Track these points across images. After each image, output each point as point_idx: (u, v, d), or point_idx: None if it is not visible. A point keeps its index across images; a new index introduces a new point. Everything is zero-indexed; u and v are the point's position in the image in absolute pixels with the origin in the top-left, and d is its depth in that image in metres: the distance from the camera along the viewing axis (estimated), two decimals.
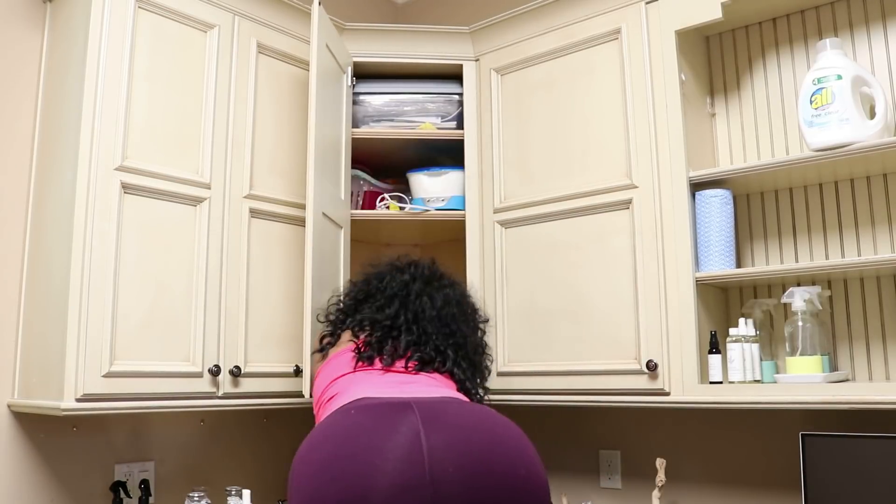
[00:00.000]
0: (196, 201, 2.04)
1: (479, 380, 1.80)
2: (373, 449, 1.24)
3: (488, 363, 1.91)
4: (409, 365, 1.66)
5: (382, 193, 2.56)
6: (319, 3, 2.11)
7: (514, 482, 1.27)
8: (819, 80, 1.85)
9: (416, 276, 1.86)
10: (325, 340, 1.87)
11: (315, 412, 1.72)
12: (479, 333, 1.90)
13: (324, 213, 2.10)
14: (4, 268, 2.00)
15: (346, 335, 1.83)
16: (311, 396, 1.88)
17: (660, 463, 2.11)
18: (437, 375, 1.66)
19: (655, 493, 2.11)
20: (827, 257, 2.05)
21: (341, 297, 1.95)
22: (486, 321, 1.95)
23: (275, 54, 2.28)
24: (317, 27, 2.09)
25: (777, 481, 2.10)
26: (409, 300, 1.80)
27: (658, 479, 2.11)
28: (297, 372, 2.19)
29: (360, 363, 1.67)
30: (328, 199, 2.14)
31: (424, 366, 1.66)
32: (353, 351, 1.72)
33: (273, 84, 2.26)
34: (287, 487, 1.40)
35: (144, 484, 2.08)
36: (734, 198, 2.11)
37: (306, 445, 1.34)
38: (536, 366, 2.21)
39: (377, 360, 1.68)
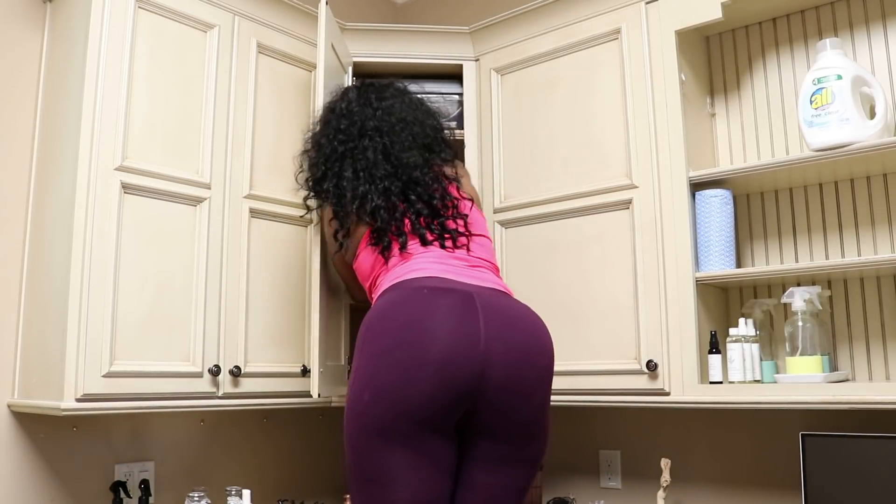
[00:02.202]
0: (196, 201, 2.04)
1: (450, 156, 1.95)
2: (441, 325, 1.53)
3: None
4: (445, 242, 1.77)
5: None
6: (326, 3, 2.11)
7: (539, 365, 1.63)
8: (819, 80, 1.85)
9: (356, 118, 1.88)
10: (340, 235, 1.86)
11: (364, 282, 1.85)
12: (439, 138, 1.95)
13: None
14: (4, 268, 2.00)
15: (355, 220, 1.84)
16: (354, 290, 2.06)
17: (664, 463, 2.11)
18: (474, 254, 1.78)
19: (660, 494, 2.11)
20: (827, 257, 2.05)
21: (308, 173, 1.95)
22: (438, 119, 2.01)
23: (275, 54, 2.28)
24: (324, 27, 2.09)
25: (777, 481, 2.10)
26: (370, 146, 1.84)
27: (663, 480, 2.10)
28: (305, 372, 2.19)
29: (401, 246, 1.76)
30: None
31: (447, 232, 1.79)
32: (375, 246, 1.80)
33: (273, 84, 2.26)
34: (359, 340, 1.61)
35: (144, 484, 2.08)
36: (734, 198, 2.11)
37: (380, 312, 1.60)
38: None
39: (407, 235, 1.77)
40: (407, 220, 1.78)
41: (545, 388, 1.64)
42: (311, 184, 1.92)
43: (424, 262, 1.71)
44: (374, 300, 1.72)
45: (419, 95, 2.03)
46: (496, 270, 1.81)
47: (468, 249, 1.78)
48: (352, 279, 1.99)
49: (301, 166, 1.99)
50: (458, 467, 1.60)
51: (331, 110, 1.95)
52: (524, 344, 1.60)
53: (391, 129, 1.85)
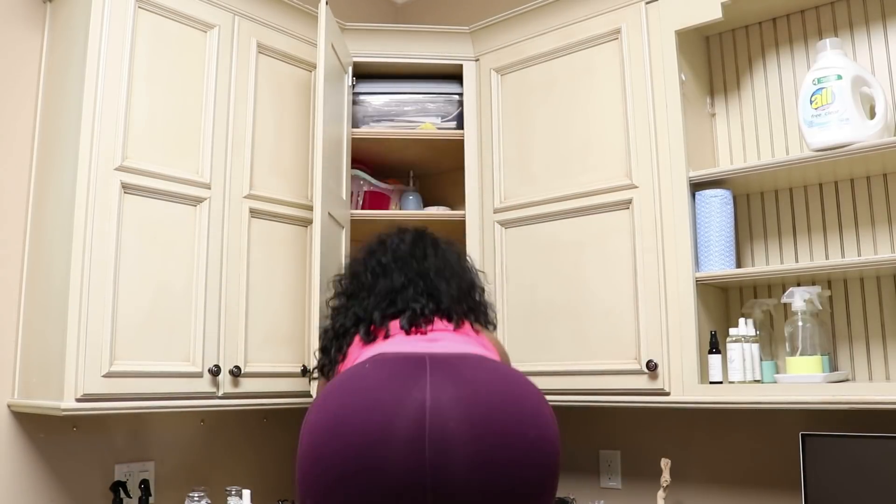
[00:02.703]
0: (196, 201, 2.04)
1: (488, 317, 1.67)
2: (378, 404, 1.19)
3: (493, 308, 1.72)
4: (428, 327, 1.49)
5: (383, 193, 2.56)
6: (326, 3, 2.11)
7: (522, 442, 1.19)
8: (819, 80, 1.85)
9: (398, 255, 1.63)
10: (326, 367, 1.61)
11: None
12: (479, 295, 1.68)
13: (329, 214, 2.10)
14: (4, 268, 2.00)
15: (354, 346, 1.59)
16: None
17: (664, 463, 2.11)
18: (464, 330, 1.51)
19: (660, 494, 2.11)
20: (827, 257, 2.05)
21: (332, 308, 1.69)
22: (483, 289, 1.72)
23: (275, 54, 2.28)
24: (324, 27, 2.09)
25: (777, 481, 2.10)
26: (405, 268, 1.59)
27: (663, 480, 2.10)
28: (304, 372, 2.19)
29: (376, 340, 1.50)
30: (332, 199, 2.14)
31: (440, 314, 1.52)
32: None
33: (273, 84, 2.26)
34: (299, 436, 1.35)
35: (144, 484, 2.08)
36: (734, 198, 2.11)
37: (322, 396, 1.29)
38: (537, 366, 2.21)
39: (393, 328, 1.50)
40: (396, 322, 1.51)
41: (530, 469, 1.20)
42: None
43: (385, 345, 1.46)
44: None
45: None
46: (480, 343, 1.52)
47: (449, 329, 1.51)
48: None
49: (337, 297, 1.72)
50: None
51: (381, 242, 1.69)
52: (491, 410, 1.20)
53: (431, 263, 1.61)
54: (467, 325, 1.54)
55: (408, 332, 1.46)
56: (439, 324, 1.49)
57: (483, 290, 1.70)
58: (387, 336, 1.47)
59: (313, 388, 1.96)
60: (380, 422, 1.17)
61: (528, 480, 1.19)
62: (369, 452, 1.16)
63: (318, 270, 2.01)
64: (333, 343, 1.59)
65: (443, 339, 1.44)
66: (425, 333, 1.46)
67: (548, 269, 2.24)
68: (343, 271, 1.74)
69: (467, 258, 1.74)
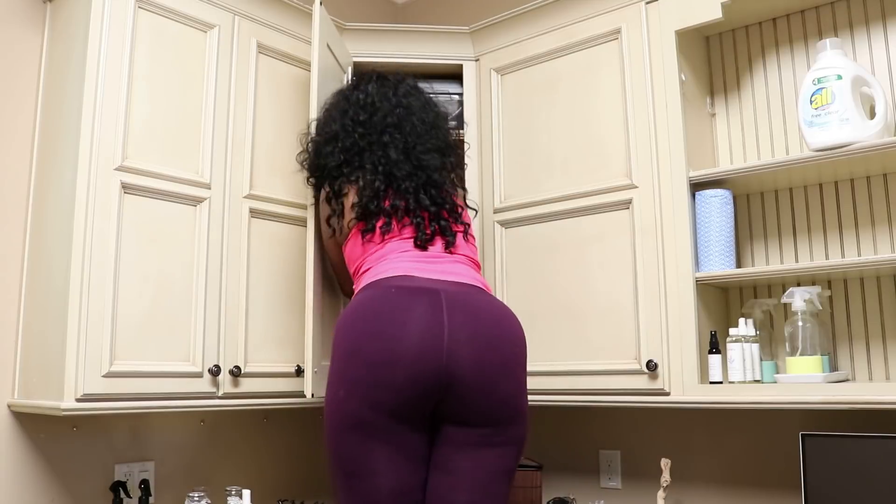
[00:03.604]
0: (196, 201, 2.04)
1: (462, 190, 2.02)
2: (407, 324, 1.62)
3: (470, 204, 2.13)
4: (429, 248, 1.83)
5: None
6: (321, 3, 2.11)
7: (505, 353, 1.70)
8: (819, 80, 1.85)
9: (374, 110, 1.93)
10: (332, 220, 1.93)
11: (350, 268, 1.92)
12: (448, 145, 2.01)
13: None
14: (4, 268, 2.00)
15: (349, 197, 1.89)
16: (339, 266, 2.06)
17: (664, 463, 2.11)
18: (457, 251, 1.85)
19: (660, 494, 2.11)
20: (827, 257, 2.05)
21: (322, 159, 1.97)
22: (448, 132, 2.07)
23: (275, 54, 2.28)
24: (318, 27, 2.09)
25: (777, 481, 2.10)
26: (379, 154, 1.89)
27: (663, 480, 2.10)
28: (299, 372, 2.19)
29: (386, 235, 1.82)
30: None
31: (441, 233, 1.85)
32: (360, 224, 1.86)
33: (273, 84, 2.26)
34: (334, 339, 1.70)
35: (144, 484, 2.08)
36: (734, 198, 2.11)
37: (353, 311, 1.69)
38: (536, 366, 2.21)
39: (394, 227, 1.83)
40: (407, 218, 1.84)
41: (514, 374, 1.70)
42: (324, 170, 1.94)
43: (400, 262, 1.78)
44: (352, 297, 1.81)
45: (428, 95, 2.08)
46: (476, 266, 1.89)
47: (454, 249, 1.85)
48: (341, 267, 2.02)
49: (307, 149, 2.01)
50: (441, 455, 1.68)
51: (346, 98, 1.99)
52: (488, 335, 1.68)
53: (412, 129, 1.91)
54: (460, 239, 1.87)
55: (416, 247, 1.82)
56: (439, 242, 1.84)
57: (451, 131, 2.06)
58: (388, 232, 1.82)
59: (305, 387, 1.96)
60: (415, 331, 1.62)
61: (505, 372, 1.69)
62: (408, 348, 1.61)
63: (313, 270, 2.01)
64: (329, 178, 1.93)
65: (447, 265, 1.80)
66: (433, 257, 1.81)
67: (548, 269, 2.24)
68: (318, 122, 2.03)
69: (431, 101, 2.04)
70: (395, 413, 1.61)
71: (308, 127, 2.05)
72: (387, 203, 1.84)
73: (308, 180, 2.03)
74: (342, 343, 1.67)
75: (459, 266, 1.82)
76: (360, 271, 1.85)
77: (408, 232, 1.84)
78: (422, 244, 1.82)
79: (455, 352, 1.62)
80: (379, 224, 1.83)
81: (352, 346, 1.64)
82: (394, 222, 1.83)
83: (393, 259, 1.79)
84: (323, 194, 1.96)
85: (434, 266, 1.78)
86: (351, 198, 1.89)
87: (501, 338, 1.70)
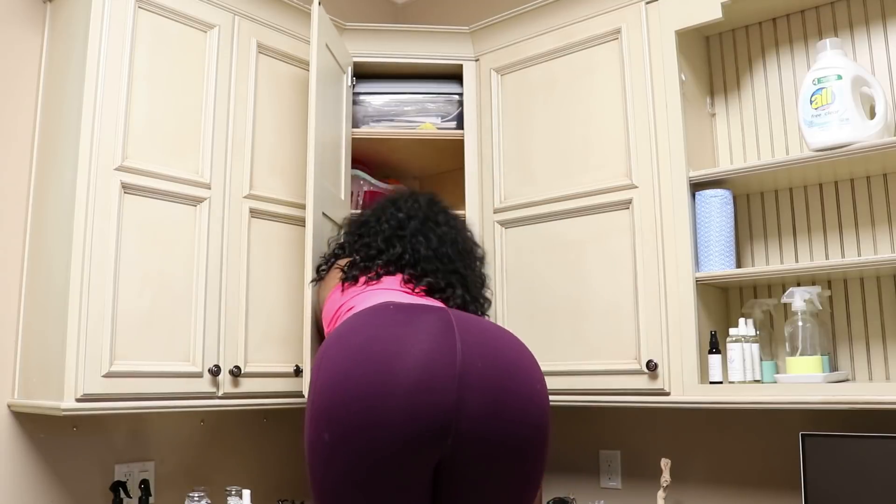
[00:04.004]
0: (196, 201, 2.04)
1: (483, 311, 1.83)
2: (409, 342, 1.31)
3: (488, 296, 1.91)
4: (418, 289, 1.69)
5: (382, 193, 2.56)
6: (319, 3, 2.11)
7: (530, 392, 1.36)
8: (819, 80, 1.85)
9: (412, 215, 1.85)
10: (322, 268, 1.92)
11: (325, 327, 1.78)
12: (478, 268, 1.89)
13: (324, 213, 2.10)
14: (4, 268, 2.00)
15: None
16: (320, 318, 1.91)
17: (664, 463, 2.11)
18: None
19: (660, 494, 2.11)
20: (827, 257, 2.05)
21: (340, 235, 2.00)
22: (483, 257, 1.95)
23: (275, 54, 2.28)
24: (317, 27, 2.09)
25: (777, 481, 2.10)
26: (404, 239, 1.80)
27: (663, 480, 2.10)
28: (298, 372, 2.19)
29: (369, 282, 1.70)
30: (328, 198, 2.14)
31: (433, 293, 1.70)
32: (346, 274, 1.78)
33: (273, 84, 2.26)
34: (313, 368, 1.38)
35: (144, 484, 2.08)
36: (734, 198, 2.11)
37: (339, 330, 1.39)
38: None
39: (384, 278, 1.72)
40: (399, 274, 1.75)
41: (539, 409, 1.38)
42: (356, 255, 1.84)
43: (391, 293, 1.67)
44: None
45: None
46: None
47: (445, 300, 1.71)
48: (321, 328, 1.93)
49: (341, 240, 1.97)
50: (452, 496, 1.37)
51: (393, 202, 1.92)
52: (509, 365, 1.36)
53: (446, 237, 1.84)
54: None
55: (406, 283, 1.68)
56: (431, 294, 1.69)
57: (484, 281, 1.90)
58: (375, 281, 1.70)
59: (304, 387, 1.96)
60: (419, 360, 1.29)
61: (527, 413, 1.36)
62: (418, 378, 1.28)
63: (310, 270, 2.01)
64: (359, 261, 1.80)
65: (431, 300, 1.62)
66: (429, 297, 1.66)
67: (548, 269, 2.24)
68: (357, 215, 1.97)
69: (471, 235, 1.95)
70: (393, 464, 1.27)
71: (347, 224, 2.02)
72: (380, 266, 1.75)
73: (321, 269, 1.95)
74: (326, 368, 1.34)
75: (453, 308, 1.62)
76: (344, 310, 1.67)
77: (398, 280, 1.72)
78: (412, 286, 1.69)
79: (468, 381, 1.29)
80: (369, 274, 1.74)
81: (338, 372, 1.32)
82: (385, 275, 1.74)
83: (382, 293, 1.66)
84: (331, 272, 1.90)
85: (428, 300, 1.64)
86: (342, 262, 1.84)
87: (525, 365, 1.40)
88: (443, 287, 1.72)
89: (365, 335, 1.34)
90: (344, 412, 1.28)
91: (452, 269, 1.77)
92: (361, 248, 1.84)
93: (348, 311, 1.65)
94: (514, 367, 1.36)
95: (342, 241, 1.96)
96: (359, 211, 2.05)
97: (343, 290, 1.77)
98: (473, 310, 1.77)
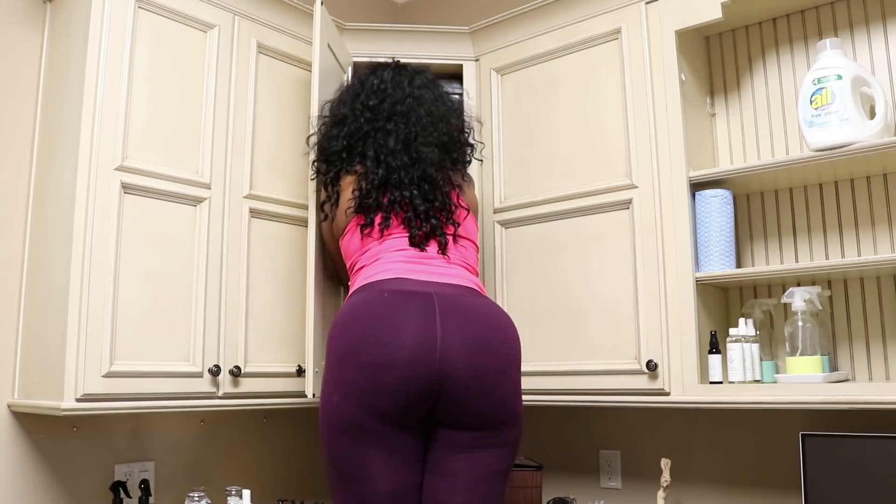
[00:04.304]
0: (196, 201, 2.04)
1: (462, 168, 2.01)
2: (400, 328, 1.62)
3: (471, 154, 2.08)
4: (424, 237, 1.83)
5: None
6: (322, 3, 2.11)
7: (499, 357, 1.69)
8: (819, 80, 1.85)
9: (385, 94, 1.94)
10: (326, 206, 1.95)
11: (349, 273, 1.91)
12: (456, 135, 2.00)
13: None
14: (4, 268, 2.00)
15: (347, 184, 1.91)
16: (333, 256, 2.06)
17: (664, 463, 2.11)
18: (450, 252, 1.84)
19: (660, 494, 2.11)
20: (827, 257, 2.05)
21: (318, 138, 2.01)
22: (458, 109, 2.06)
23: (275, 54, 2.28)
24: (319, 27, 2.09)
25: (777, 481, 2.10)
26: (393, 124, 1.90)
27: (663, 480, 2.10)
28: (300, 372, 2.19)
29: (384, 231, 1.83)
30: None
31: (434, 239, 1.84)
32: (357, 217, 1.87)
33: (273, 84, 2.26)
34: (328, 343, 1.70)
35: (144, 484, 2.08)
36: (734, 198, 2.11)
37: (346, 315, 1.68)
38: (537, 366, 2.21)
39: (394, 235, 1.83)
40: (402, 214, 1.83)
41: (509, 377, 1.70)
42: (326, 154, 1.96)
43: (393, 263, 1.78)
44: (345, 299, 1.82)
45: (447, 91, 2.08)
46: (472, 270, 1.88)
47: (447, 251, 1.84)
48: (338, 256, 2.02)
49: (318, 129, 2.02)
50: (436, 458, 1.69)
51: (360, 83, 2.00)
52: (482, 340, 1.67)
53: (418, 120, 1.90)
54: (450, 241, 1.85)
55: (411, 245, 1.82)
56: (433, 242, 1.83)
57: (462, 128, 2.03)
58: (386, 228, 1.82)
59: (306, 387, 1.96)
60: (408, 336, 1.62)
61: (500, 377, 1.68)
62: (402, 354, 1.61)
63: (314, 270, 2.02)
64: (329, 178, 1.95)
65: (441, 266, 1.80)
66: (427, 258, 1.80)
67: (548, 269, 2.24)
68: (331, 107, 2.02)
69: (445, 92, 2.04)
70: (389, 417, 1.61)
71: (321, 109, 2.05)
72: (385, 198, 1.83)
73: (312, 164, 2.03)
74: (335, 347, 1.67)
75: (453, 268, 1.81)
76: (356, 268, 1.85)
77: (402, 229, 1.83)
78: (416, 243, 1.82)
79: (448, 356, 1.62)
80: (377, 220, 1.83)
81: (345, 350, 1.64)
82: (392, 217, 1.83)
83: (387, 260, 1.79)
84: (320, 178, 1.98)
85: (427, 268, 1.78)
86: (349, 187, 1.89)
87: (496, 341, 1.69)
88: (441, 238, 1.84)
89: (365, 323, 1.65)
90: (351, 378, 1.62)
91: (441, 141, 1.90)
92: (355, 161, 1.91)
93: (360, 269, 1.83)
94: (486, 338, 1.68)
95: (326, 130, 1.99)
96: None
97: (362, 238, 1.85)
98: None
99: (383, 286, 1.71)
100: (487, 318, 1.71)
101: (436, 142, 1.90)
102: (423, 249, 1.81)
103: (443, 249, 1.83)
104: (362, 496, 1.63)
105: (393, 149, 1.86)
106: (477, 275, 1.90)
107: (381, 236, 1.83)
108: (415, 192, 1.83)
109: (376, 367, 1.60)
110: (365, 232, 1.84)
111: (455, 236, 1.86)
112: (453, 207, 1.89)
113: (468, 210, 1.93)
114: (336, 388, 1.64)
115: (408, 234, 1.82)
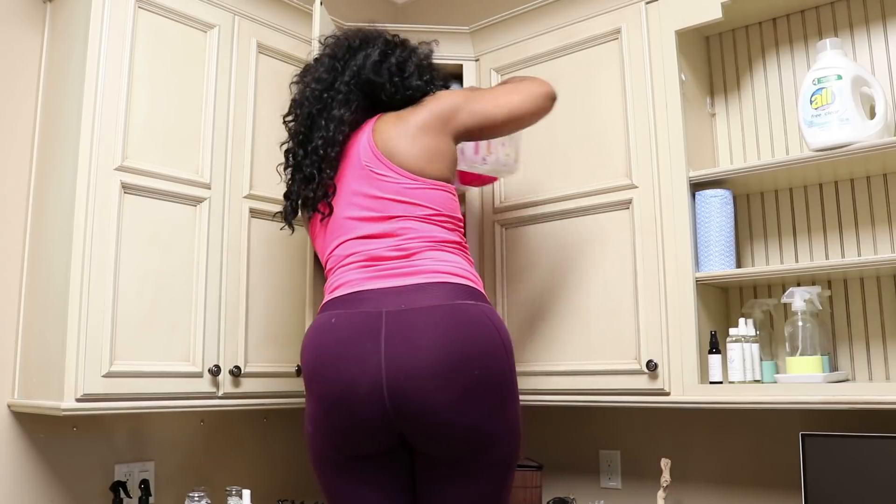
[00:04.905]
0: (196, 201, 2.04)
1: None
2: (345, 362, 1.49)
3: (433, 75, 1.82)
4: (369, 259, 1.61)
5: None
6: (321, 3, 2.11)
7: (465, 380, 1.46)
8: (819, 81, 1.85)
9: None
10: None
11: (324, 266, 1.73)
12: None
13: None
14: (4, 268, 2.00)
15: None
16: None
17: (664, 463, 2.11)
18: (407, 233, 1.60)
19: (660, 494, 2.11)
20: (827, 257, 2.05)
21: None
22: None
23: (275, 54, 2.28)
24: (318, 27, 2.09)
25: (777, 481, 2.10)
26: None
27: (663, 480, 2.10)
28: (299, 372, 2.19)
29: (329, 228, 1.66)
30: None
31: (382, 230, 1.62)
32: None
33: (273, 84, 2.26)
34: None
35: (144, 484, 2.08)
36: (734, 198, 2.11)
37: (307, 341, 1.59)
38: (537, 366, 2.21)
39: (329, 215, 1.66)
40: (323, 206, 1.66)
41: (477, 400, 1.47)
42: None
43: (350, 270, 1.61)
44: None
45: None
46: (442, 248, 1.61)
47: (396, 236, 1.60)
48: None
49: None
50: (422, 486, 1.56)
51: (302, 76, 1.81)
52: (435, 363, 1.45)
53: (317, 97, 1.71)
54: (397, 224, 1.62)
55: (360, 238, 1.62)
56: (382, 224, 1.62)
57: (419, 57, 1.81)
58: (329, 215, 1.65)
59: None
60: (350, 372, 1.48)
61: (467, 399, 1.47)
62: (345, 391, 1.49)
63: (314, 270, 2.01)
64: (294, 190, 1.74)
65: (398, 261, 1.58)
66: (381, 258, 1.59)
67: (548, 269, 2.24)
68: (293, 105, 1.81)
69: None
70: (353, 452, 1.53)
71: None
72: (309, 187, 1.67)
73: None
74: (303, 373, 1.59)
75: (414, 262, 1.57)
76: (325, 275, 1.72)
77: (343, 213, 1.64)
78: (364, 235, 1.61)
79: (397, 389, 1.45)
80: (317, 217, 1.68)
81: (305, 380, 1.57)
82: (321, 207, 1.66)
83: (343, 268, 1.63)
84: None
85: (383, 268, 1.58)
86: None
87: (456, 361, 1.45)
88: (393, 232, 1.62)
89: (318, 355, 1.54)
90: (314, 411, 1.56)
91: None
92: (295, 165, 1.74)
93: (325, 277, 1.70)
94: (442, 359, 1.46)
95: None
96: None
97: (315, 236, 1.72)
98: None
99: (335, 305, 1.58)
100: (447, 335, 1.47)
101: (336, 104, 1.72)
102: (372, 239, 1.61)
103: (395, 233, 1.60)
104: None
105: (292, 149, 1.77)
106: (454, 245, 1.64)
107: (332, 235, 1.67)
108: (314, 160, 1.69)
109: (329, 403, 1.50)
110: (316, 232, 1.72)
111: (389, 217, 1.62)
112: (370, 171, 1.65)
113: (401, 168, 1.63)
114: (307, 417, 1.58)
115: (353, 224, 1.64)
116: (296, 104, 1.77)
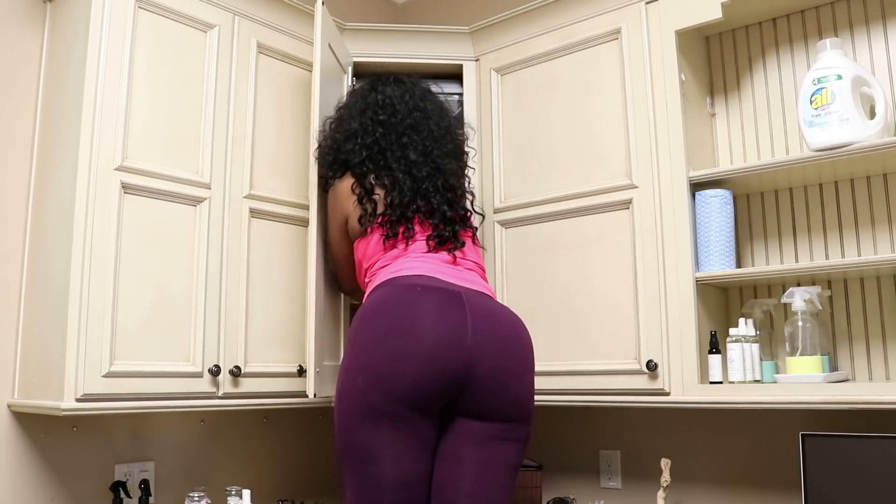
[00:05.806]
0: (196, 201, 2.04)
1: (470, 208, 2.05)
2: (433, 319, 1.68)
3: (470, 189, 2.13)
4: (444, 241, 1.89)
5: None
6: (323, 3, 2.11)
7: (522, 356, 1.77)
8: (819, 80, 1.85)
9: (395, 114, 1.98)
10: (363, 219, 1.94)
11: (364, 274, 1.95)
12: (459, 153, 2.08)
13: None
14: (4, 268, 2.00)
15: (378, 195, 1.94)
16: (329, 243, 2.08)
17: (664, 463, 2.11)
18: (466, 257, 1.92)
19: (660, 494, 2.11)
20: (827, 257, 2.05)
21: (327, 147, 2.04)
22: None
23: (275, 54, 2.28)
24: (320, 27, 2.09)
25: (777, 481, 2.10)
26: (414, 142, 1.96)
27: (663, 480, 2.11)
28: (301, 372, 2.19)
29: (409, 239, 1.88)
30: None
31: (445, 241, 1.91)
32: (381, 229, 1.91)
33: (273, 84, 2.26)
34: (353, 331, 1.73)
35: (144, 484, 2.08)
36: (734, 198, 2.11)
37: (376, 304, 1.73)
38: (537, 365, 2.20)
39: (416, 229, 1.90)
40: (427, 221, 1.90)
41: (527, 378, 1.77)
42: (347, 165, 1.98)
43: (421, 263, 1.83)
44: (368, 293, 1.84)
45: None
46: (483, 274, 1.96)
47: (464, 255, 1.91)
48: (346, 260, 2.04)
49: (324, 144, 2.04)
50: (449, 446, 1.72)
51: (363, 98, 2.04)
52: (506, 340, 1.74)
53: (429, 133, 1.98)
54: (469, 245, 1.95)
55: (434, 248, 1.88)
56: (451, 246, 1.90)
57: (463, 137, 2.15)
58: (411, 237, 1.88)
59: (307, 387, 1.96)
60: (441, 329, 1.67)
61: (521, 374, 1.76)
62: (435, 344, 1.66)
63: (315, 270, 2.02)
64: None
65: (461, 271, 1.86)
66: (448, 262, 1.87)
67: (548, 269, 2.24)
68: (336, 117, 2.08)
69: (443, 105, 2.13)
70: (412, 403, 1.65)
71: (323, 125, 2.07)
72: (413, 206, 1.90)
73: (321, 178, 2.05)
74: (365, 333, 1.70)
75: (471, 273, 1.88)
76: (376, 267, 1.89)
77: (424, 235, 1.89)
78: (436, 247, 1.88)
79: (477, 351, 1.68)
80: (401, 229, 1.88)
81: (375, 337, 1.68)
82: (416, 225, 1.89)
83: (411, 258, 1.85)
84: (344, 192, 1.96)
85: (449, 270, 1.84)
86: (381, 199, 1.91)
87: (517, 344, 1.76)
88: (461, 244, 1.92)
89: (398, 311, 1.69)
90: (379, 363, 1.66)
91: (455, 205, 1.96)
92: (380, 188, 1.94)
93: (382, 267, 1.87)
94: (511, 338, 1.76)
95: (337, 145, 2.01)
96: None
97: (385, 242, 1.89)
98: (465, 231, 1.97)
99: (412, 280, 1.76)
100: (509, 321, 1.78)
101: (449, 152, 2.00)
102: (449, 254, 1.88)
103: (458, 251, 1.90)
104: (373, 478, 1.65)
105: (415, 161, 1.92)
106: (486, 277, 1.98)
107: (406, 243, 1.88)
108: (440, 199, 1.91)
109: (407, 354, 1.64)
110: (388, 240, 1.88)
111: (473, 240, 1.97)
112: (469, 214, 2.00)
113: (483, 217, 2.03)
114: (361, 371, 1.67)
115: (432, 240, 1.88)
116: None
